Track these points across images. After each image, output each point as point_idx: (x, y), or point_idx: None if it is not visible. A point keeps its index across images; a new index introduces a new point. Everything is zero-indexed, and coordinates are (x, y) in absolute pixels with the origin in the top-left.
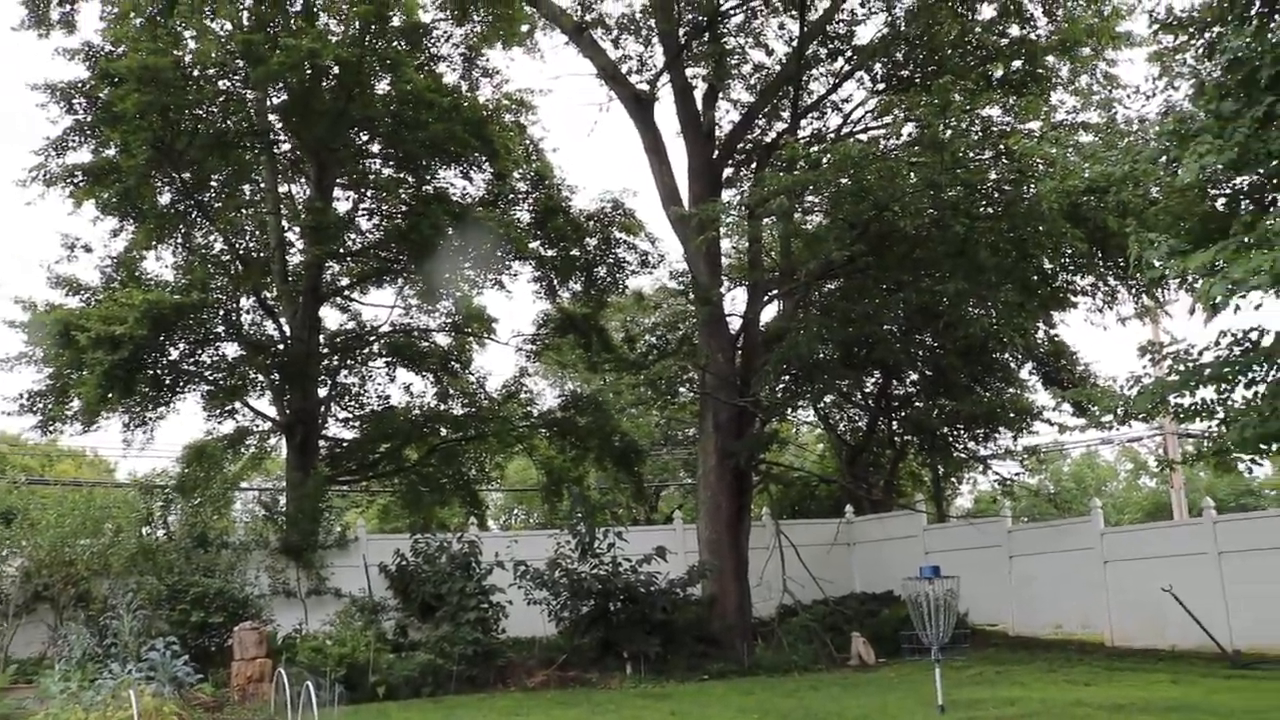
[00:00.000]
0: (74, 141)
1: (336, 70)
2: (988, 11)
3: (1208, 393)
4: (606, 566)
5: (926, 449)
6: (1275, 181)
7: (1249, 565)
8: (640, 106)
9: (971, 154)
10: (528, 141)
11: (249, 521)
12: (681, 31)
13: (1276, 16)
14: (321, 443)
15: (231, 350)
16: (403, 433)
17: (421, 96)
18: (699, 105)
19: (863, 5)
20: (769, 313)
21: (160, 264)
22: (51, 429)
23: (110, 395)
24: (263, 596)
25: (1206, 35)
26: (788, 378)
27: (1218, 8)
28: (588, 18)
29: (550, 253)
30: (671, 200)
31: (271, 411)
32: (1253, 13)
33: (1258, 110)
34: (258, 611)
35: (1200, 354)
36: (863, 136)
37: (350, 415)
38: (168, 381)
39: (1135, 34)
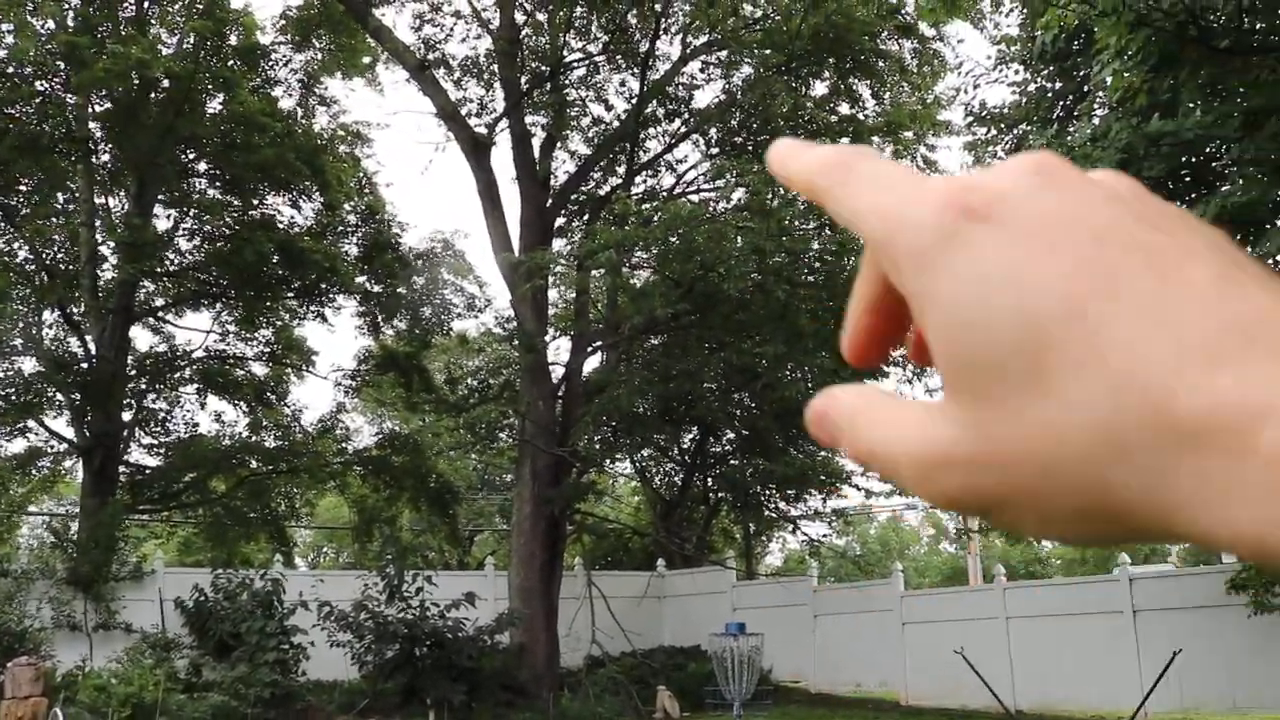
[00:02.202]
0: None
1: (166, 83)
2: (820, 88)
3: None
4: (414, 610)
5: (739, 507)
6: None
7: (1034, 630)
8: (478, 150)
9: (797, 223)
10: (361, 174)
11: (35, 548)
12: (524, 79)
13: (1075, 121)
14: (122, 469)
15: (29, 366)
16: (210, 463)
17: (254, 119)
18: (536, 153)
19: (702, 70)
20: (592, 364)
21: None
22: None
23: None
24: (44, 629)
25: (1015, 131)
26: (607, 429)
27: (1026, 107)
28: (431, 56)
29: (377, 288)
30: (503, 245)
31: (69, 433)
32: (1055, 115)
33: None
34: (36, 646)
35: None
36: (694, 197)
37: (156, 442)
38: None
39: (953, 123)
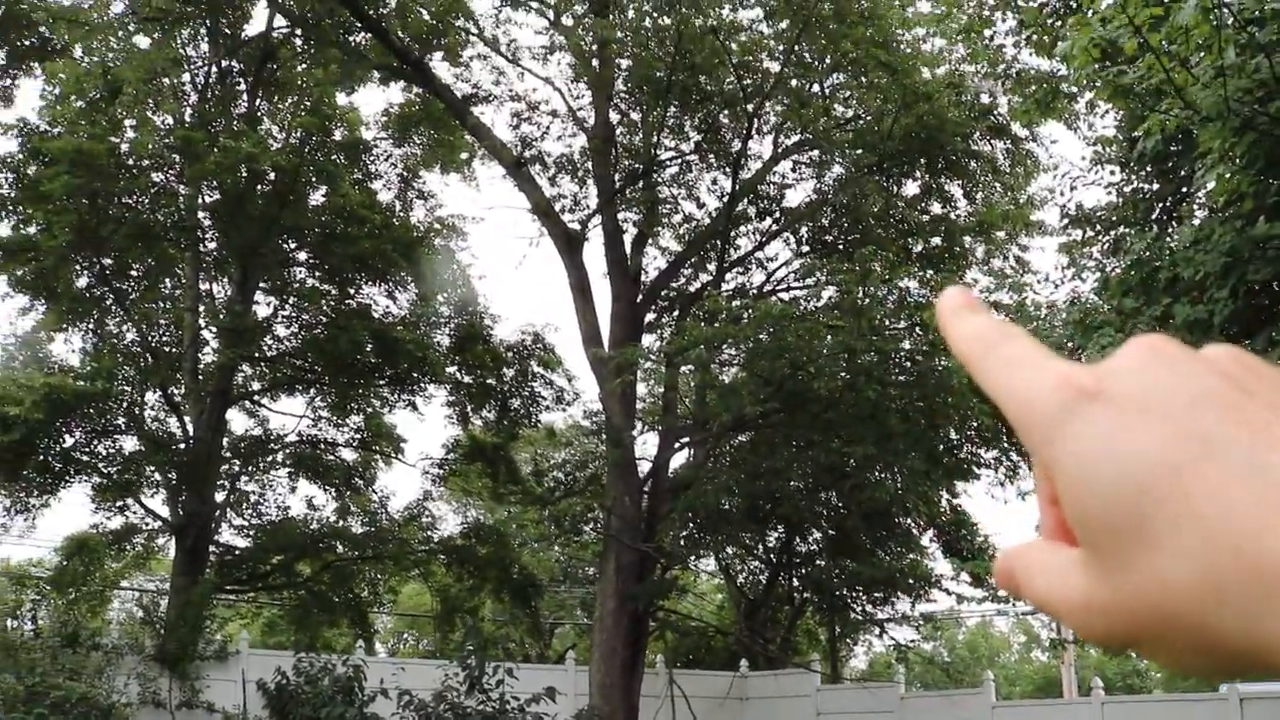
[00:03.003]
0: None
1: (273, 176)
2: (912, 188)
3: None
4: (494, 703)
5: (825, 608)
6: None
7: None
8: (570, 245)
9: (888, 322)
10: (456, 266)
11: (125, 624)
12: (617, 176)
13: (1175, 224)
14: (212, 548)
15: (130, 444)
16: (298, 546)
17: (354, 211)
18: (628, 249)
19: (794, 169)
20: (679, 459)
21: (68, 348)
22: None
23: None
24: (129, 705)
25: (1112, 233)
26: (693, 526)
27: (1123, 209)
28: (527, 154)
29: (467, 379)
30: (592, 339)
31: (164, 511)
32: (1153, 217)
33: (1156, 309)
34: None
35: None
36: (785, 295)
37: (246, 523)
38: (58, 469)
39: (1047, 223)
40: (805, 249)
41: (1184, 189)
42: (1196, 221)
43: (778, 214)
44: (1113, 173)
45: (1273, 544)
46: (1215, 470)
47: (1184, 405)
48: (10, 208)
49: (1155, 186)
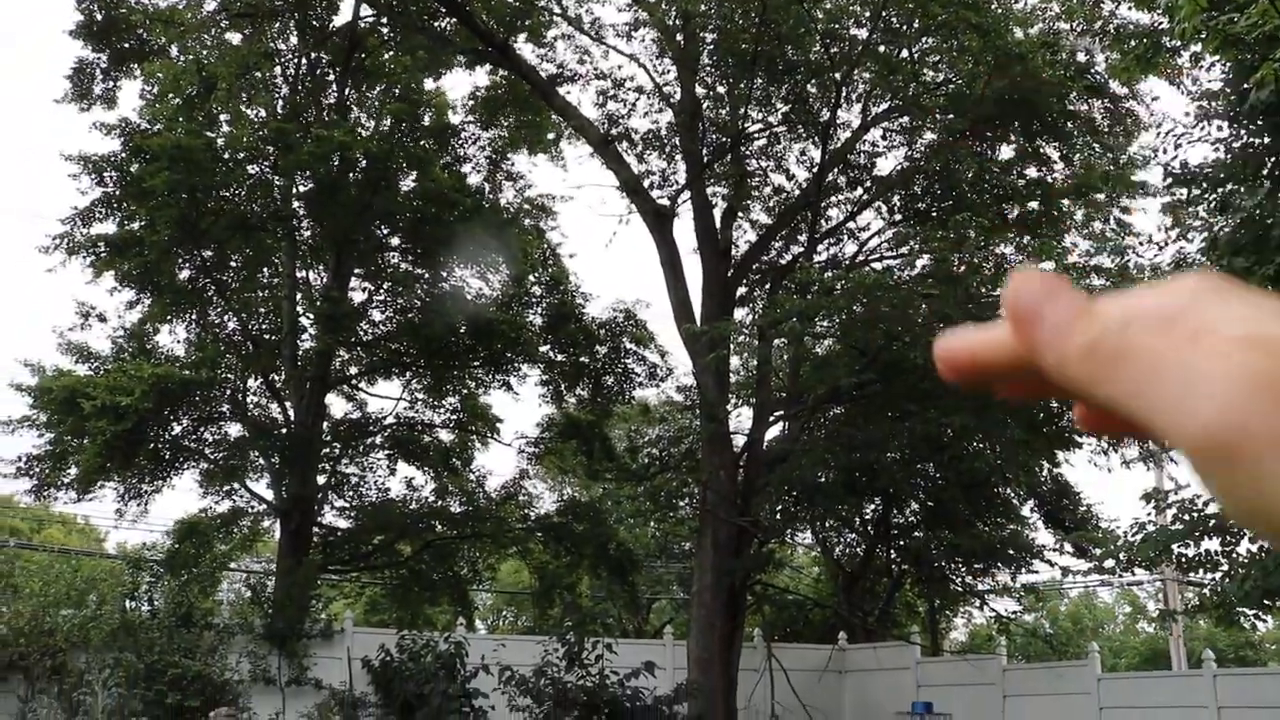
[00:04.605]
0: (100, 213)
1: (364, 163)
2: (1006, 152)
3: (1212, 544)
4: (594, 678)
5: (923, 580)
6: None
7: None
8: (659, 221)
9: (984, 290)
10: (546, 246)
11: (235, 604)
12: (704, 151)
13: None
14: (316, 530)
15: (235, 430)
16: (398, 526)
17: (445, 195)
18: (717, 223)
19: (884, 138)
20: (773, 433)
21: (172, 339)
22: (46, 494)
23: (109, 465)
24: (241, 682)
25: (1219, 191)
26: (788, 499)
27: (1232, 166)
28: (614, 131)
29: (560, 358)
30: (684, 315)
31: (268, 494)
32: (1265, 173)
33: (1269, 269)
34: (235, 698)
35: (1205, 505)
36: (877, 265)
37: (347, 505)
38: (168, 456)
39: (1150, 184)
40: (898, 218)
41: None
42: None
43: (869, 183)
44: (1220, 128)
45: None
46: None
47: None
48: (116, 205)
49: (1267, 140)
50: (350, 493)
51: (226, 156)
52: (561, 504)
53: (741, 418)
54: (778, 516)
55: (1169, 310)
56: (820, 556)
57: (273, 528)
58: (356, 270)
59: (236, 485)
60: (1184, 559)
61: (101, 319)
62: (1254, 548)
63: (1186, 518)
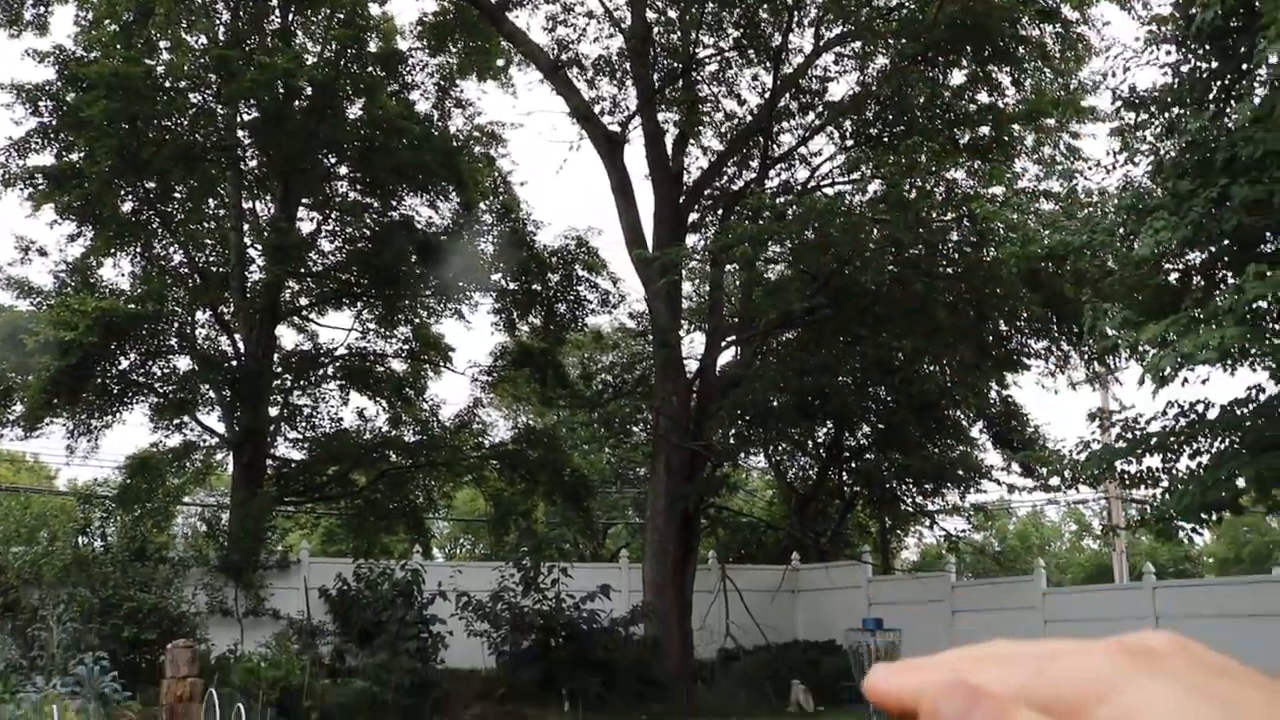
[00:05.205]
0: (37, 144)
1: (309, 91)
2: (958, 77)
3: (1154, 461)
4: (550, 602)
5: (875, 501)
6: (1226, 259)
7: (1186, 632)
8: (610, 147)
9: (935, 214)
10: (496, 174)
11: (189, 537)
12: (656, 76)
13: (1233, 103)
14: (269, 462)
15: (183, 364)
16: (352, 457)
17: (393, 123)
18: (669, 150)
19: (836, 63)
20: (726, 358)
21: (117, 272)
22: None
23: (55, 401)
24: (199, 614)
25: (1166, 115)
26: (742, 423)
27: (1179, 90)
28: (564, 57)
29: (512, 286)
30: (636, 241)
31: (220, 428)
32: (1210, 97)
33: (1212, 191)
34: (192, 630)
35: (1147, 423)
36: (829, 190)
37: (300, 436)
38: (116, 391)
39: (1099, 109)
40: (849, 143)
41: (1244, 65)
42: (1257, 100)
43: (820, 108)
44: (1168, 52)
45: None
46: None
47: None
48: (53, 136)
49: (1213, 65)
50: (303, 424)
51: (167, 85)
52: (516, 432)
53: (694, 343)
54: (731, 441)
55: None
56: (773, 479)
57: (225, 461)
58: (304, 200)
59: (187, 419)
60: (1126, 476)
61: (42, 253)
62: (1193, 464)
63: (1129, 436)
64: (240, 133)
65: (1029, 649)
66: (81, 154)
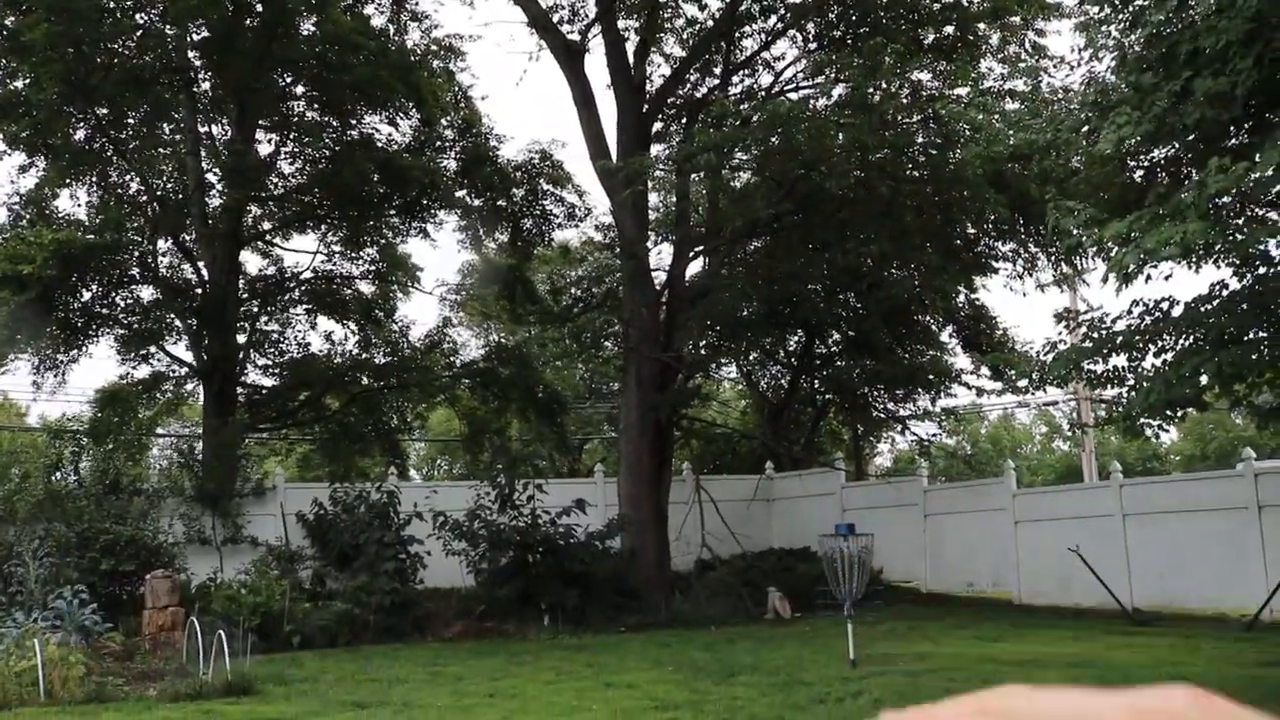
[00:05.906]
0: None
1: (260, 8)
2: None
3: (1120, 360)
4: (526, 518)
5: (847, 408)
6: (1190, 155)
7: (1152, 527)
8: (570, 57)
9: (900, 117)
10: (456, 88)
11: (164, 468)
12: None
13: None
14: (240, 390)
15: (147, 294)
16: (323, 381)
17: (348, 39)
18: (630, 58)
19: None
20: (694, 269)
21: (73, 203)
22: None
23: (18, 337)
24: (176, 544)
25: (1130, 8)
26: (712, 334)
27: None
28: None
29: (477, 202)
30: (600, 153)
31: (188, 357)
32: None
33: (1175, 85)
34: (171, 560)
35: (1113, 322)
36: (793, 95)
37: (270, 362)
38: (79, 324)
39: (1064, 4)
40: (813, 46)
41: None
42: None
43: (783, 10)
44: None
45: None
46: None
47: None
48: None
49: None
50: (272, 350)
51: (111, 5)
52: (487, 350)
53: (662, 254)
54: (701, 351)
55: None
56: (745, 389)
57: (196, 390)
58: (261, 121)
59: (155, 349)
60: (1093, 375)
61: None
62: (1158, 362)
63: (1095, 336)
64: (191, 54)
65: (1043, 702)
66: (27, 81)
